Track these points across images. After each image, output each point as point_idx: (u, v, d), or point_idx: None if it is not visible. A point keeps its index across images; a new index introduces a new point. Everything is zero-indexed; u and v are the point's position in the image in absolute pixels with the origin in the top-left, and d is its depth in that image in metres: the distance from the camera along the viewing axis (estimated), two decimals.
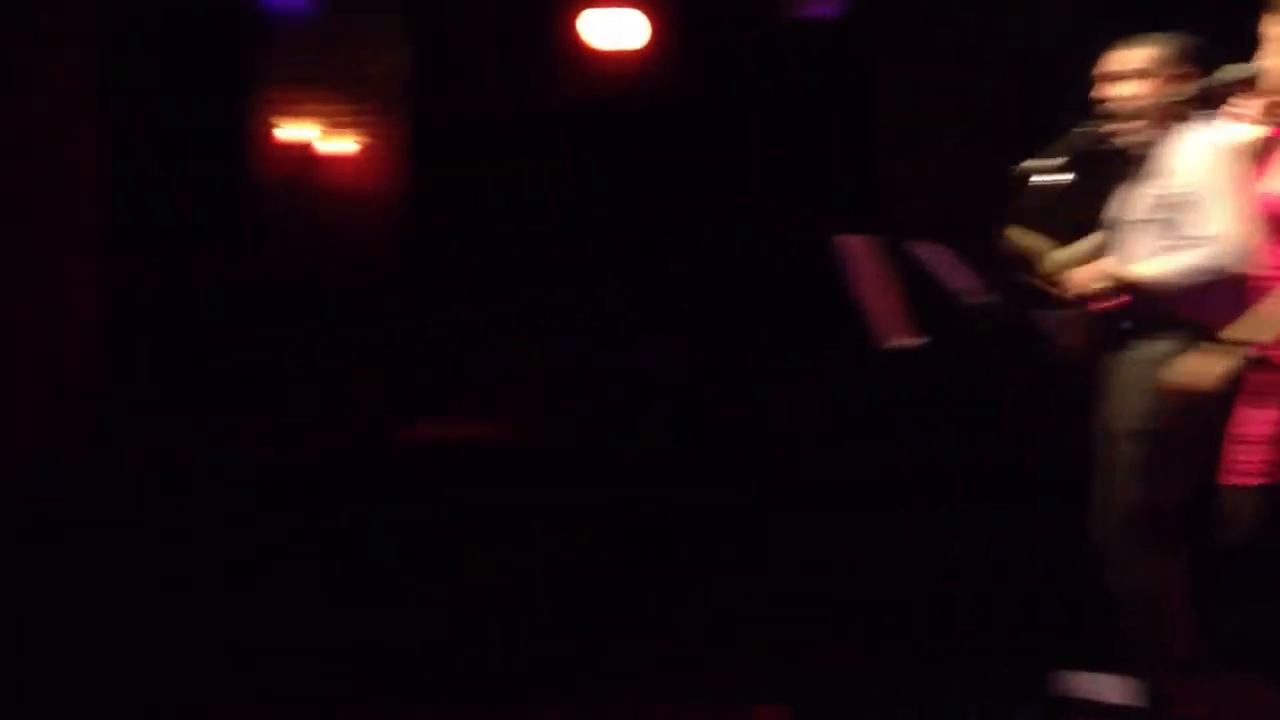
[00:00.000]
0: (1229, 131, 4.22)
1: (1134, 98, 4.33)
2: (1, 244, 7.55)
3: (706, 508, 6.79)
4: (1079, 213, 4.50)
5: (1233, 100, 4.22)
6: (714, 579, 5.94)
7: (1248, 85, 4.13)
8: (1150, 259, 4.29)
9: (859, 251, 5.07)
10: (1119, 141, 4.40)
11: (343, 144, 9.30)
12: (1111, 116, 4.37)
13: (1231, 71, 4.16)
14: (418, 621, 5.65)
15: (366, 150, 9.32)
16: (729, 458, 7.35)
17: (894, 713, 4.68)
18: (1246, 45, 4.10)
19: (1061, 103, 4.54)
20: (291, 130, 9.30)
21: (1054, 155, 4.39)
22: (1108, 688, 4.46)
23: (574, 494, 7.09)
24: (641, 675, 5.06)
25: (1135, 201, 4.39)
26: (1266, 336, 3.98)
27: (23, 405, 7.59)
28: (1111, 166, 4.45)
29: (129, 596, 5.77)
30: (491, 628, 5.57)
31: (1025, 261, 4.53)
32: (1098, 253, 4.50)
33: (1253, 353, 3.99)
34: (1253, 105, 4.14)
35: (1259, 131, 4.13)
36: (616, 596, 5.91)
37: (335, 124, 9.31)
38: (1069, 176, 4.38)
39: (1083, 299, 4.41)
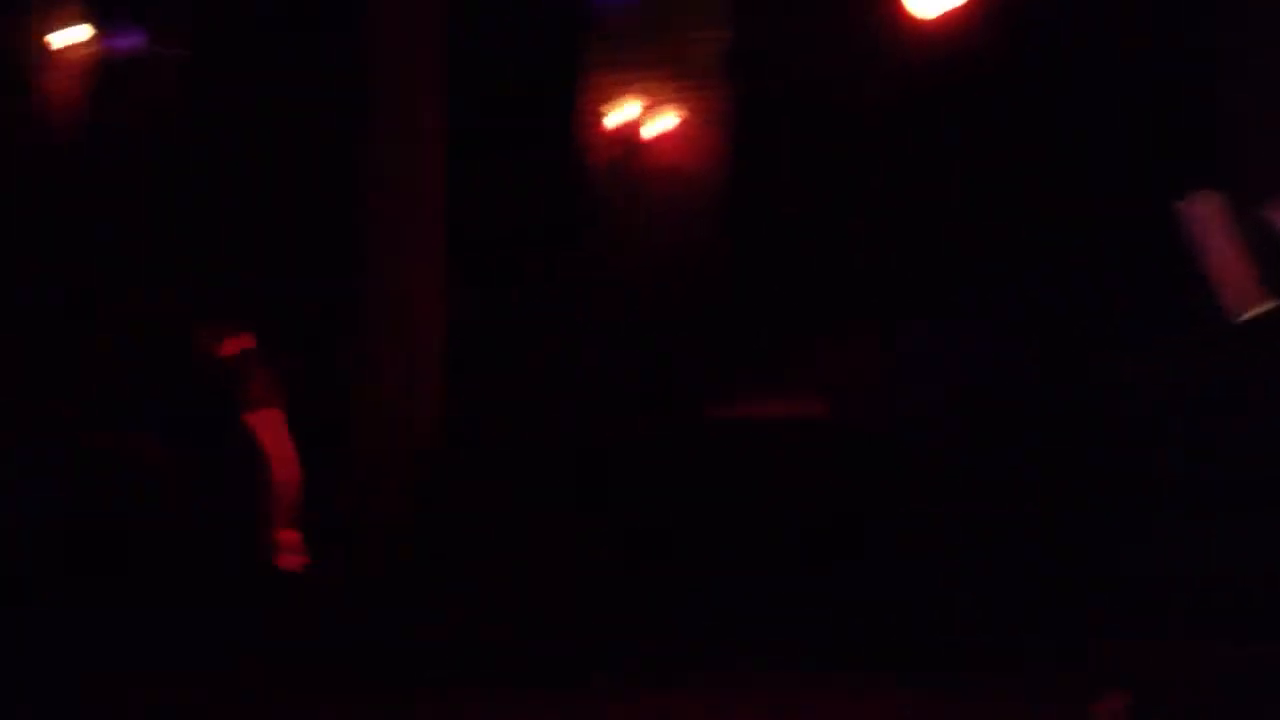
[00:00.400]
0: None
1: None
2: (351, 230, 8.31)
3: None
4: None
5: None
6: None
7: None
8: None
9: (1206, 217, 4.81)
10: None
11: (666, 125, 9.34)
12: None
13: None
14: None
15: (689, 131, 9.33)
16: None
17: (1238, 704, 4.46)
18: None
19: None
20: (616, 114, 9.38)
21: None
22: None
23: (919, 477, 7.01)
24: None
25: None
26: None
27: (384, 382, 8.03)
28: None
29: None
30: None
31: None
32: None
33: None
34: None
35: None
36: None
37: (658, 105, 9.35)
38: None
39: None
